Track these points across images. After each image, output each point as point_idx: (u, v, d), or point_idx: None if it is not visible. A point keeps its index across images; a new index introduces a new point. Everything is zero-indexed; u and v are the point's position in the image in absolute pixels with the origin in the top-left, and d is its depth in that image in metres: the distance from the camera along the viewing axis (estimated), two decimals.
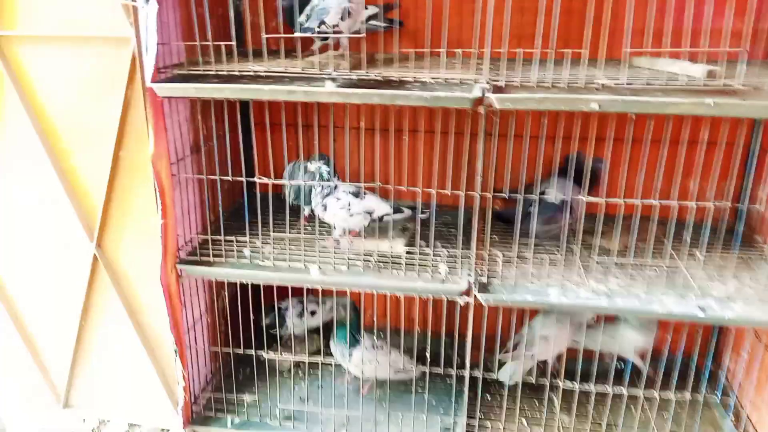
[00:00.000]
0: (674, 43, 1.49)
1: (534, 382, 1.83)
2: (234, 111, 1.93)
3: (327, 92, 1.48)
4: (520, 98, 1.42)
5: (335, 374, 1.99)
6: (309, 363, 1.94)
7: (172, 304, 1.75)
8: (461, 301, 1.64)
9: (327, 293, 2.14)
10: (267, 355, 1.91)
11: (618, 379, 1.78)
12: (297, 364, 2.09)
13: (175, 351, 1.80)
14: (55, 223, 1.93)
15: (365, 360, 1.90)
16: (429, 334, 1.83)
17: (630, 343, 1.90)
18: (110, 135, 1.75)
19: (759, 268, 1.70)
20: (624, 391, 1.74)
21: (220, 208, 1.79)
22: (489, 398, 1.93)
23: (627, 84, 1.44)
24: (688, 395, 1.77)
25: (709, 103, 1.34)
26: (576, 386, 1.74)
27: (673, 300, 1.56)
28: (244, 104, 1.97)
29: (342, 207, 1.75)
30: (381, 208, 1.78)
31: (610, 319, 1.93)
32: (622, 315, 1.89)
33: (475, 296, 1.61)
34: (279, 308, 2.13)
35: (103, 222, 1.90)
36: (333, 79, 1.51)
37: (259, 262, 1.74)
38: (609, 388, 1.75)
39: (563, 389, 1.77)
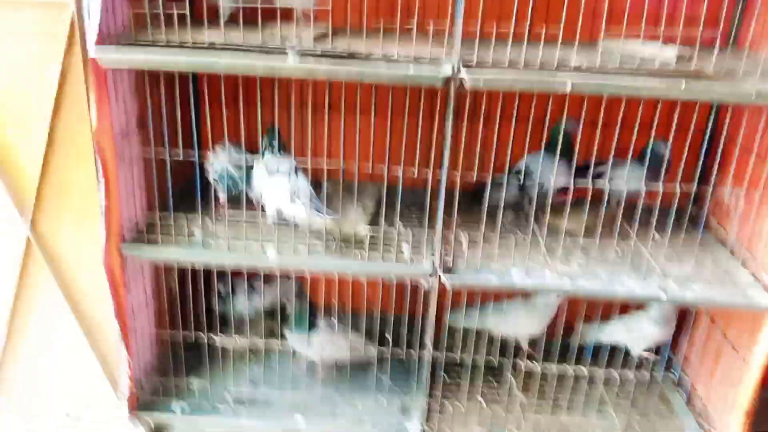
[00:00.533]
0: (648, 26, 1.47)
1: (495, 363, 1.83)
2: (185, 84, 1.79)
3: (290, 67, 1.39)
4: (493, 78, 1.37)
5: (288, 358, 1.92)
6: (259, 347, 1.86)
7: (116, 289, 1.63)
8: (426, 283, 1.61)
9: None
10: (217, 338, 1.83)
11: (578, 360, 1.80)
12: (249, 349, 2.00)
13: (120, 338, 1.69)
14: None
15: (324, 345, 1.84)
16: (387, 315, 1.81)
17: (648, 337, 1.88)
18: (46, 107, 1.60)
19: (717, 251, 1.75)
20: (585, 371, 1.77)
21: (169, 187, 1.67)
22: (448, 380, 1.91)
23: (600, 66, 1.41)
24: (647, 375, 1.82)
25: (680, 86, 1.34)
26: (538, 367, 1.76)
27: (635, 282, 1.57)
28: (197, 77, 1.85)
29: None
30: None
31: (624, 310, 1.92)
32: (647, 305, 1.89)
33: (440, 278, 1.58)
34: (225, 289, 2.02)
35: (38, 202, 1.76)
36: (296, 53, 1.42)
37: (211, 244, 1.64)
38: (570, 369, 1.77)
39: (525, 371, 1.79)
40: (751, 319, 1.59)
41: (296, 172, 1.69)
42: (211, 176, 1.78)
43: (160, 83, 1.50)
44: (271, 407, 1.82)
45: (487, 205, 1.61)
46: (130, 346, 1.72)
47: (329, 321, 1.86)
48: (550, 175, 1.67)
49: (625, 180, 1.70)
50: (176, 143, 1.57)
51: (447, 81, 1.39)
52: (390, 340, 1.79)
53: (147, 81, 1.60)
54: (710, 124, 1.87)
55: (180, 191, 1.71)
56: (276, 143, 1.74)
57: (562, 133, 1.71)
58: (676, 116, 1.47)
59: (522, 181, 1.80)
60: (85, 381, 1.99)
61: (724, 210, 1.79)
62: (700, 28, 1.42)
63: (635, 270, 1.61)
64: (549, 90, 1.38)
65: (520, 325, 1.91)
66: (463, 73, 1.38)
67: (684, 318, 1.92)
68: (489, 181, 1.65)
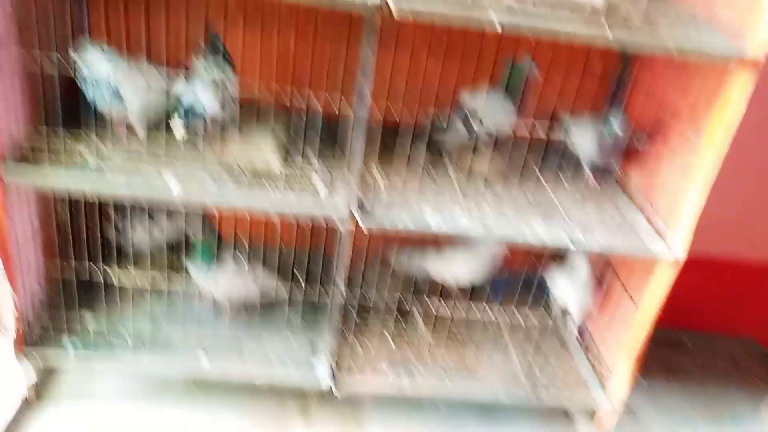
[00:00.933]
0: None
1: (407, 306, 1.83)
2: None
3: None
4: (422, 10, 1.29)
5: (193, 295, 1.83)
6: (161, 283, 1.76)
7: None
8: (341, 226, 1.55)
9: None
10: (113, 273, 1.70)
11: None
12: (149, 286, 1.88)
13: (2, 272, 1.53)
14: None
15: (231, 281, 1.76)
16: (300, 252, 1.74)
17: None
18: None
19: (619, 198, 1.81)
20: (491, 316, 1.81)
21: (58, 99, 1.49)
22: (359, 321, 1.90)
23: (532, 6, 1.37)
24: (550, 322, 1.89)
25: (607, 35, 1.32)
26: (448, 311, 1.78)
27: (543, 229, 1.59)
28: None
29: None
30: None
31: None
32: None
33: (355, 219, 1.52)
34: (122, 220, 1.87)
35: None
36: None
37: (104, 170, 1.49)
38: (478, 314, 1.80)
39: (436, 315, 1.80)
40: (645, 267, 1.67)
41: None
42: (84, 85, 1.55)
43: None
44: (173, 346, 1.74)
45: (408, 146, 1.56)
46: (14, 279, 1.57)
47: (237, 256, 1.78)
48: (498, 116, 1.64)
49: None
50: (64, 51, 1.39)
51: (375, 10, 1.30)
52: (302, 278, 1.73)
53: None
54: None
55: (71, 108, 1.54)
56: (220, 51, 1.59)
57: (521, 74, 1.68)
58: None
59: (466, 122, 1.75)
60: None
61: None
62: None
63: (545, 217, 1.63)
64: (479, 28, 1.32)
65: (461, 272, 1.91)
66: (391, 3, 1.28)
67: None
68: (431, 120, 1.57)
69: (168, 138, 1.59)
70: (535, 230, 1.58)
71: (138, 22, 1.40)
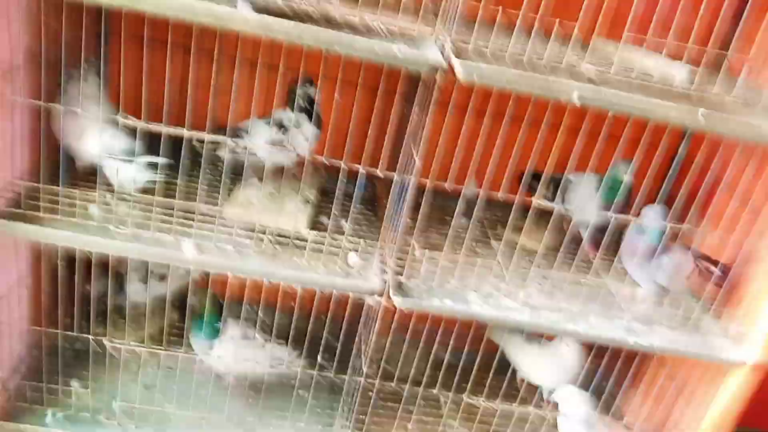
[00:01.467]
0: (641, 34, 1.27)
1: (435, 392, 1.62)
2: (95, 18, 1.39)
3: (241, 18, 1.08)
4: (491, 74, 1.13)
5: (193, 364, 1.61)
6: (158, 348, 1.55)
7: None
8: (371, 301, 1.36)
9: None
10: (106, 336, 1.50)
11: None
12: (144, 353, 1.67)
13: None
14: None
15: (236, 356, 1.55)
16: (318, 322, 1.54)
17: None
18: None
19: None
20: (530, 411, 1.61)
21: (60, 148, 1.32)
22: (380, 406, 1.67)
23: (612, 75, 1.21)
24: None
25: (699, 116, 1.16)
26: (480, 402, 1.57)
27: (600, 321, 1.40)
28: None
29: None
30: None
31: None
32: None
33: (389, 297, 1.34)
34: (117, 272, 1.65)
35: None
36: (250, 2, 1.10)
37: (110, 227, 1.31)
38: (515, 407, 1.60)
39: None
40: (710, 369, 1.48)
41: None
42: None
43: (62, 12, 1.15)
44: (167, 424, 1.52)
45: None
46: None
47: (245, 327, 1.57)
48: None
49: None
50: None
51: (433, 69, 1.14)
52: (320, 353, 1.53)
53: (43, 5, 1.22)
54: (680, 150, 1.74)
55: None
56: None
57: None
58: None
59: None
60: None
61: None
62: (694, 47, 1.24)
63: (600, 305, 1.45)
64: (552, 97, 1.16)
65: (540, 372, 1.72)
66: (456, 64, 1.12)
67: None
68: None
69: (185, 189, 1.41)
70: (590, 322, 1.40)
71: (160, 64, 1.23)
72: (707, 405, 1.47)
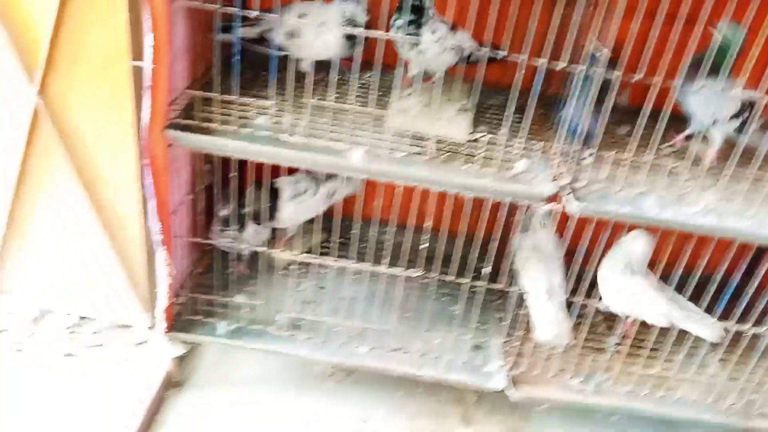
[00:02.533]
0: None
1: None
2: None
3: None
4: None
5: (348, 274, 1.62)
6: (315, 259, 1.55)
7: (158, 182, 1.30)
8: (544, 208, 1.31)
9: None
10: (264, 249, 1.52)
11: None
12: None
13: (160, 241, 1.37)
14: None
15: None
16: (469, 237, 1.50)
17: None
18: None
19: None
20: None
21: (218, 51, 1.30)
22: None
23: None
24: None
25: None
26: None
27: None
28: None
29: (437, 39, 1.38)
30: (471, 46, 1.42)
31: None
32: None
33: (563, 203, 1.28)
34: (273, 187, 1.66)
35: (49, 61, 1.37)
36: None
37: (279, 137, 1.30)
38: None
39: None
40: None
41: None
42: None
43: None
44: (339, 335, 1.55)
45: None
46: (171, 250, 1.41)
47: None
48: None
49: None
50: None
51: None
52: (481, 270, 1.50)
53: None
54: None
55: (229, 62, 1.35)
56: None
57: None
58: None
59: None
60: (100, 281, 1.68)
61: None
62: None
63: None
64: None
65: None
66: None
67: None
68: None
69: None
70: None
71: None
72: None
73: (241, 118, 1.32)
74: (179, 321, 1.54)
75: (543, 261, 1.56)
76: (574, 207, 1.26)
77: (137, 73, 1.35)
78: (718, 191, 1.36)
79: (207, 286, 1.61)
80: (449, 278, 1.47)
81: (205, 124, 1.29)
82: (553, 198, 1.29)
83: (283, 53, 1.44)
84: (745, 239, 1.33)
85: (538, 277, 1.53)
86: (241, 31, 1.39)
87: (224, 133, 1.29)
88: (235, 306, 1.57)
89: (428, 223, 1.41)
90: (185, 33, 1.33)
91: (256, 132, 1.30)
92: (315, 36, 1.42)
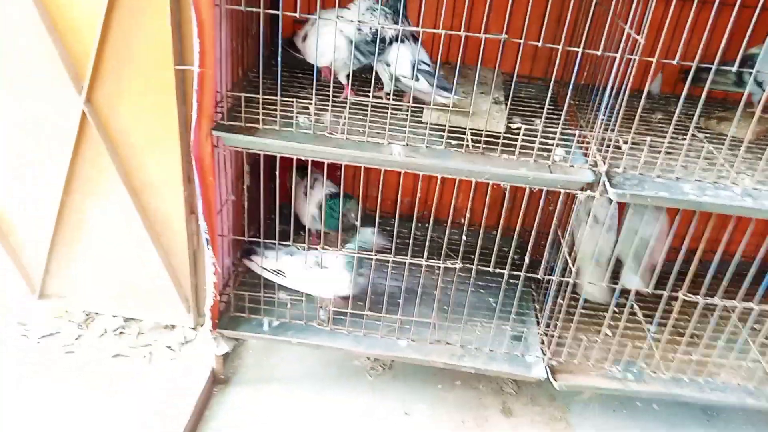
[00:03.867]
0: None
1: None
2: None
3: None
4: None
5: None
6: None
7: (205, 183, 1.34)
8: (582, 196, 1.33)
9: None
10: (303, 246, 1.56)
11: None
12: None
13: (207, 240, 1.41)
14: (32, 68, 1.44)
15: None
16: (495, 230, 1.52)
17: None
18: None
19: None
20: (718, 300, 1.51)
21: (261, 54, 1.34)
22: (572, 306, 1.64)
23: None
24: None
25: None
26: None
27: None
28: None
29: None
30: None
31: None
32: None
33: (603, 190, 1.30)
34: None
35: (96, 68, 1.43)
36: None
37: (321, 134, 1.34)
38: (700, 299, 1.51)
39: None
40: None
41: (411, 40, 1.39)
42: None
43: None
44: (373, 329, 1.58)
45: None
46: (217, 248, 1.45)
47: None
48: None
49: None
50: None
51: None
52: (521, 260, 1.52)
53: None
54: None
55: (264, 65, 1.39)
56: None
57: None
58: None
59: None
60: (144, 283, 1.73)
61: None
62: None
63: None
64: None
65: None
66: None
67: None
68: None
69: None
70: None
71: None
72: None
73: (283, 117, 1.36)
74: (225, 318, 1.58)
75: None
76: (611, 193, 1.28)
77: (183, 76, 1.41)
78: (756, 174, 1.37)
79: (250, 284, 1.65)
80: (488, 269, 1.49)
81: (249, 125, 1.33)
82: (591, 186, 1.31)
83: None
84: None
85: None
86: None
87: (268, 132, 1.33)
88: (278, 303, 1.60)
89: (465, 218, 1.44)
90: (228, 36, 1.37)
91: (298, 130, 1.34)
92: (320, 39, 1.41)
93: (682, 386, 1.53)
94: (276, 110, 1.34)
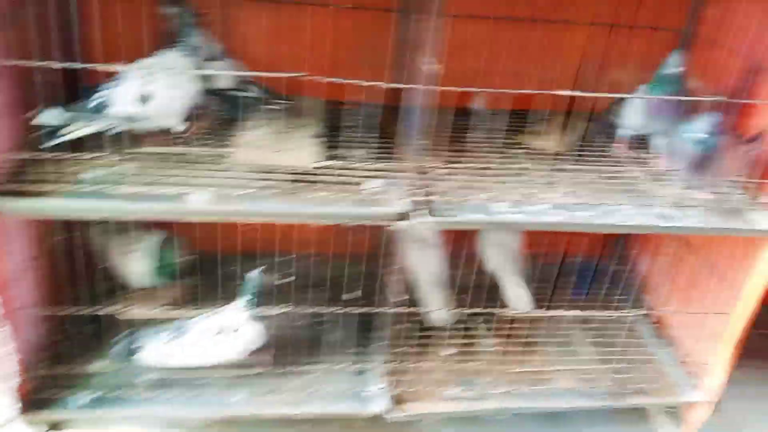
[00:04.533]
0: None
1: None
2: None
3: None
4: None
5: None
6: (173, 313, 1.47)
7: None
8: (396, 226, 1.29)
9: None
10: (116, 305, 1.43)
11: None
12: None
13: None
14: None
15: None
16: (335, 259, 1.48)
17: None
18: None
19: None
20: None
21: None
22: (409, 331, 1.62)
23: None
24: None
25: None
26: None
27: (633, 210, 1.36)
28: None
29: None
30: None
31: None
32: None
33: (419, 219, 1.27)
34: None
35: None
36: None
37: (105, 189, 1.20)
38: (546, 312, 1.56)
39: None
40: (743, 244, 1.46)
41: None
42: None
43: None
44: (200, 389, 1.46)
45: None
46: (17, 328, 1.28)
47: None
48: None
49: None
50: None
51: None
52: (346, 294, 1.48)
53: None
54: None
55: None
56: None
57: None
58: None
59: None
60: None
61: None
62: None
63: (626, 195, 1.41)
64: None
65: None
66: None
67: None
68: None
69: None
70: (624, 214, 1.35)
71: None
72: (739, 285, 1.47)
73: (72, 174, 1.21)
74: (34, 399, 1.40)
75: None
76: (427, 222, 1.26)
77: None
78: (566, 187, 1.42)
79: (66, 355, 1.47)
80: (322, 309, 1.44)
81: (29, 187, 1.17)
82: (404, 216, 1.28)
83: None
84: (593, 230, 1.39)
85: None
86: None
87: (44, 193, 1.17)
88: (95, 373, 1.44)
89: (293, 255, 1.37)
90: (8, 91, 1.20)
91: (82, 188, 1.20)
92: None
93: (517, 398, 1.55)
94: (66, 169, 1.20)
